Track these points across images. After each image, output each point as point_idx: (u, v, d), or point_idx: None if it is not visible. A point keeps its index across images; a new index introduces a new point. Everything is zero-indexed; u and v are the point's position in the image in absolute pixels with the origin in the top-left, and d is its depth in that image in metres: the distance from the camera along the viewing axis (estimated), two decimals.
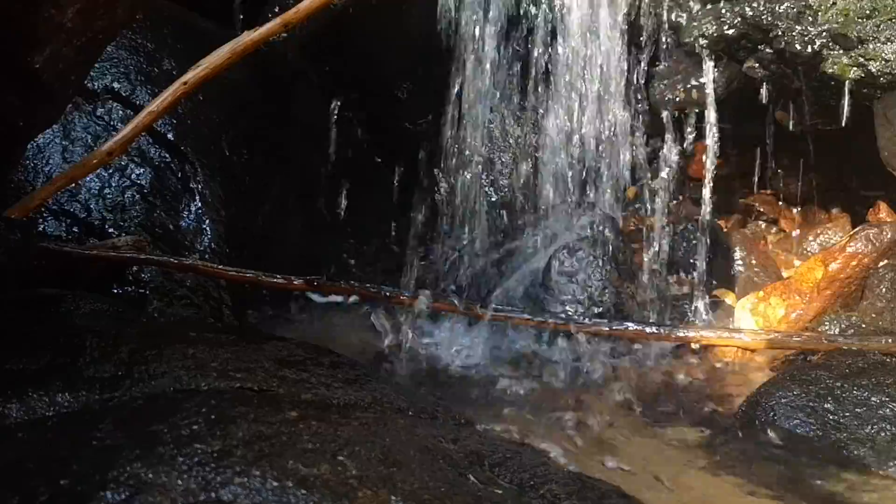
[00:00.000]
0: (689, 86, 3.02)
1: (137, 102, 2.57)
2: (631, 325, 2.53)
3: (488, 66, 2.93)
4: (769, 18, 2.77)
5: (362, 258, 3.03)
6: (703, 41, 2.89)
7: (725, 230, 3.12)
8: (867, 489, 1.87)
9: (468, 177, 2.97)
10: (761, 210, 3.27)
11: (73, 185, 2.37)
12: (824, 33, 2.67)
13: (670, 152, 3.01)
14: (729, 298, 2.88)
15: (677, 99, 3.04)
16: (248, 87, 2.84)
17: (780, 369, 2.42)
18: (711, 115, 2.88)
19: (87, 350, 1.64)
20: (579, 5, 2.88)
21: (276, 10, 3.04)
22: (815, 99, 2.84)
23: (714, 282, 2.89)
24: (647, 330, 2.52)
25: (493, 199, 3.09)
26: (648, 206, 3.04)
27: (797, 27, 2.71)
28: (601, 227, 2.76)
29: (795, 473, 1.93)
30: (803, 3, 2.73)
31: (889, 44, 2.58)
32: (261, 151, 2.79)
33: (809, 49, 2.70)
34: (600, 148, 2.92)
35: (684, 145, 3.06)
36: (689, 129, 3.03)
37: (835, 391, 2.10)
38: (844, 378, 2.14)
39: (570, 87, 2.93)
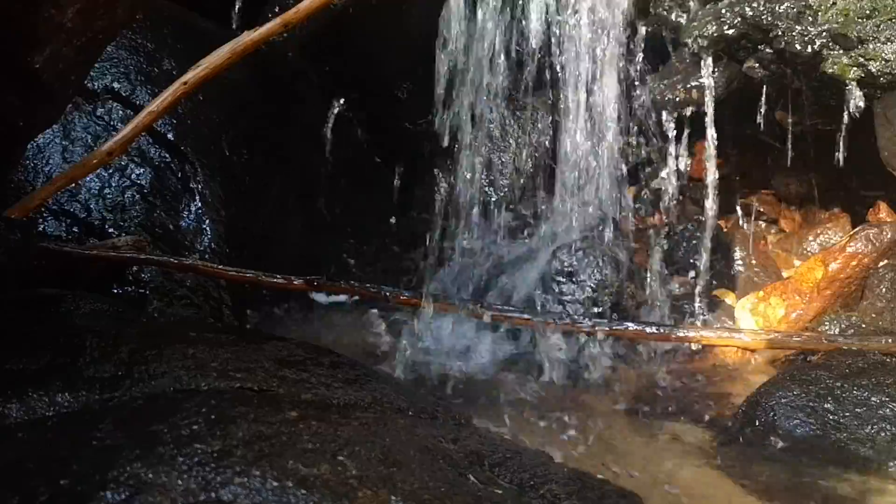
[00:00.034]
0: (689, 86, 3.02)
1: (137, 102, 2.57)
2: (631, 325, 2.53)
3: (487, 64, 2.93)
4: (769, 18, 2.76)
5: (362, 258, 3.03)
6: (703, 41, 2.89)
7: (725, 230, 3.12)
8: (867, 489, 1.87)
9: (468, 177, 2.97)
10: (761, 210, 3.27)
11: (73, 185, 2.37)
12: (824, 33, 2.67)
13: (670, 152, 3.01)
14: (729, 298, 2.88)
15: (677, 99, 3.04)
16: (248, 87, 2.84)
17: (780, 369, 2.42)
18: (710, 114, 2.88)
19: (87, 350, 1.64)
20: (579, 5, 2.88)
21: (276, 10, 3.05)
22: (815, 99, 2.84)
23: (714, 282, 2.89)
24: (647, 330, 2.52)
25: (493, 199, 3.09)
26: (649, 206, 3.05)
27: (797, 27, 2.71)
28: (601, 227, 2.76)
29: (795, 473, 1.93)
30: (803, 3, 2.73)
31: (889, 44, 2.58)
32: (261, 151, 2.79)
33: (809, 49, 2.70)
34: (600, 148, 2.92)
35: (685, 145, 3.06)
36: (689, 129, 3.03)
37: (835, 391, 2.10)
38: (844, 378, 2.14)
39: (569, 86, 2.93)
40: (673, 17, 3.00)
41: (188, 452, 1.22)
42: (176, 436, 1.26)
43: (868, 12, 2.63)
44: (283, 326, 2.59)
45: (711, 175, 2.85)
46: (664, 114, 3.04)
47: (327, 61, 3.17)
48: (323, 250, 2.93)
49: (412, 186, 3.11)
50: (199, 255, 2.48)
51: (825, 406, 2.07)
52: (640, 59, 3.00)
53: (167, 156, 2.56)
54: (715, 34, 2.87)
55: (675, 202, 3.09)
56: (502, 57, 2.94)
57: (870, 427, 2.02)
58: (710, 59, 2.90)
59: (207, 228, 2.52)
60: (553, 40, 2.92)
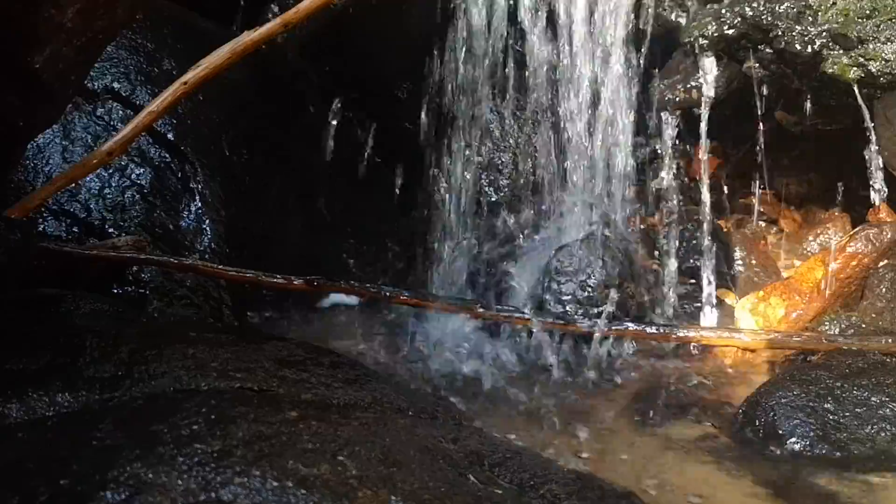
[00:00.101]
0: (689, 86, 3.02)
1: (137, 102, 2.57)
2: (631, 325, 2.53)
3: (487, 64, 2.94)
4: (769, 18, 2.77)
5: (362, 258, 3.02)
6: (703, 41, 2.89)
7: (725, 230, 3.12)
8: (867, 489, 1.87)
9: (468, 177, 2.97)
10: (761, 210, 3.28)
11: (73, 185, 2.37)
12: (824, 33, 2.67)
13: (670, 152, 3.01)
14: (729, 298, 2.88)
15: (677, 99, 3.04)
16: (248, 87, 2.84)
17: (780, 369, 2.42)
18: (705, 115, 2.88)
19: (87, 350, 1.64)
20: (580, 5, 2.88)
21: (276, 10, 3.05)
22: (815, 99, 2.84)
23: (714, 282, 2.89)
24: (648, 330, 2.52)
25: (493, 199, 3.09)
26: (649, 206, 3.04)
27: (797, 27, 2.72)
28: (601, 227, 2.76)
29: (795, 473, 1.93)
30: (803, 3, 2.73)
31: (889, 44, 2.58)
32: (261, 151, 2.79)
33: (809, 49, 2.70)
34: (600, 148, 2.92)
35: (685, 145, 3.06)
36: (689, 129, 3.03)
37: (835, 391, 2.10)
38: (844, 378, 2.14)
39: (570, 86, 2.93)
40: (673, 17, 3.00)
41: (188, 452, 1.22)
42: (176, 436, 1.26)
43: (868, 12, 2.63)
44: (283, 326, 2.59)
45: (705, 174, 2.86)
46: (664, 114, 3.04)
47: (327, 61, 3.17)
48: (323, 250, 2.93)
49: (412, 186, 3.10)
50: (199, 255, 2.48)
51: (825, 406, 2.07)
52: (641, 59, 3.00)
53: (167, 156, 2.56)
54: (715, 34, 2.87)
55: (675, 202, 3.09)
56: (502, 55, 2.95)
57: (870, 427, 2.02)
58: (710, 59, 2.90)
59: (207, 228, 2.52)
60: (553, 39, 2.92)
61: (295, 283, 2.45)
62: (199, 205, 2.54)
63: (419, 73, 3.04)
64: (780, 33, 2.75)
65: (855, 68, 2.63)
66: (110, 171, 2.48)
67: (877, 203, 2.72)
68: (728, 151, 3.18)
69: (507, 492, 1.40)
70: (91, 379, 1.56)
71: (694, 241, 2.93)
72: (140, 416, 1.40)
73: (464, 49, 2.91)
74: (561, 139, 2.96)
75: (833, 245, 2.71)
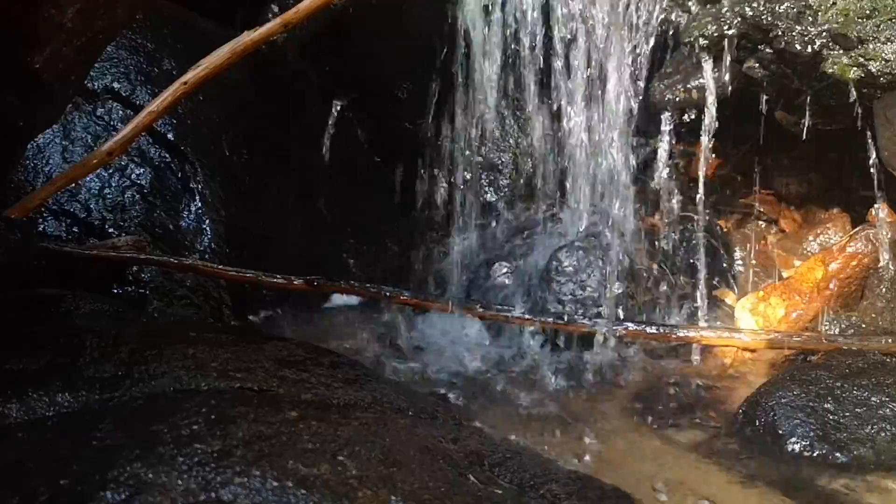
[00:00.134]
0: (689, 86, 3.02)
1: (137, 102, 2.57)
2: (631, 325, 2.53)
3: (488, 65, 2.94)
4: (769, 18, 2.76)
5: (362, 258, 3.02)
6: (703, 41, 2.89)
7: (725, 230, 3.12)
8: (867, 489, 1.87)
9: (468, 177, 2.97)
10: (761, 210, 3.27)
11: (73, 185, 2.37)
12: (824, 33, 2.67)
13: (670, 152, 3.01)
14: (729, 298, 2.88)
15: (677, 99, 3.04)
16: (248, 87, 2.84)
17: (780, 369, 2.42)
18: (709, 115, 2.88)
19: (87, 350, 1.64)
20: (580, 5, 2.88)
21: (276, 10, 3.05)
22: (815, 99, 2.84)
23: (714, 282, 2.89)
24: (648, 330, 2.52)
25: (492, 200, 3.09)
26: (649, 206, 3.04)
27: (797, 27, 2.71)
28: (601, 227, 2.76)
29: (795, 473, 1.93)
30: (803, 3, 2.73)
31: (889, 44, 2.58)
32: (261, 151, 2.79)
33: (809, 49, 2.70)
34: (600, 148, 2.92)
35: (685, 145, 3.06)
36: (689, 129, 3.02)
37: (835, 391, 2.10)
38: (844, 378, 2.14)
39: (570, 86, 2.93)
40: (673, 17, 3.00)
41: (188, 452, 1.22)
42: (176, 436, 1.26)
43: (868, 12, 2.63)
44: (283, 326, 2.59)
45: (704, 175, 2.86)
46: (664, 114, 3.04)
47: (327, 61, 3.17)
48: (323, 250, 2.93)
49: (412, 186, 3.10)
50: (199, 255, 2.48)
51: (825, 406, 2.07)
52: (641, 59, 3.00)
53: (167, 156, 2.56)
54: (715, 34, 2.87)
55: (675, 202, 3.09)
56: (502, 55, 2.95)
57: (870, 427, 2.02)
58: (709, 59, 2.90)
59: (207, 228, 2.52)
60: (553, 39, 2.92)
61: (295, 283, 2.45)
62: (199, 205, 2.54)
63: (419, 73, 3.04)
64: (780, 33, 2.74)
65: (855, 68, 2.63)
66: (110, 171, 2.48)
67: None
68: (728, 151, 3.18)
69: (507, 492, 1.40)
70: (91, 379, 1.56)
71: (694, 241, 2.93)
72: (140, 416, 1.40)
73: (464, 49, 2.91)
74: (561, 139, 2.96)
75: (833, 245, 2.72)
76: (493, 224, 3.03)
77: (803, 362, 2.40)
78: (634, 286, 2.71)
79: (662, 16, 2.99)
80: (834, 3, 2.68)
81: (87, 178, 2.40)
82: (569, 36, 2.89)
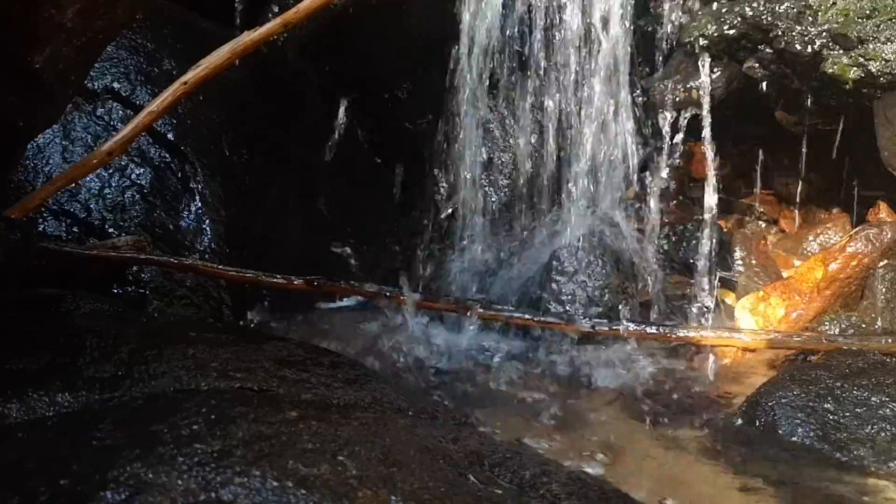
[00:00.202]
0: (689, 86, 3.02)
1: (137, 102, 2.57)
2: (631, 325, 2.52)
3: (488, 65, 2.94)
4: (769, 18, 2.77)
5: (362, 258, 3.03)
6: (703, 41, 2.89)
7: (725, 230, 3.12)
8: (867, 489, 1.87)
9: (468, 177, 2.97)
10: (761, 210, 3.28)
11: (73, 185, 2.37)
12: (824, 33, 2.67)
13: (670, 152, 3.01)
14: (729, 298, 2.88)
15: (677, 99, 3.04)
16: (248, 87, 2.84)
17: (780, 369, 2.42)
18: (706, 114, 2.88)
19: (87, 350, 1.64)
20: (581, 5, 2.88)
21: (276, 10, 3.05)
22: (815, 99, 2.84)
23: (714, 282, 2.89)
24: (648, 330, 2.52)
25: (492, 199, 3.09)
26: (650, 206, 3.04)
27: (797, 27, 2.72)
28: (601, 227, 2.76)
29: (795, 473, 1.93)
30: (803, 3, 2.73)
31: (889, 44, 2.58)
32: (261, 151, 2.79)
33: (809, 49, 2.70)
34: (600, 148, 2.92)
35: (685, 145, 3.06)
36: (689, 129, 3.03)
37: (835, 391, 2.10)
38: (844, 378, 2.14)
39: (570, 86, 2.93)
40: (673, 17, 3.00)
41: (188, 452, 1.22)
42: (176, 436, 1.26)
43: (868, 12, 2.63)
44: (283, 326, 2.59)
45: (713, 174, 2.86)
46: (664, 114, 3.04)
47: (327, 61, 3.17)
48: (323, 250, 2.93)
49: (412, 186, 3.10)
50: (199, 255, 2.48)
51: (825, 406, 2.07)
52: (641, 59, 3.00)
53: (167, 156, 2.56)
54: (715, 34, 2.87)
55: (675, 202, 3.09)
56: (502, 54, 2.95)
57: (870, 427, 2.02)
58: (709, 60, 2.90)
59: (207, 228, 2.52)
60: (553, 40, 2.92)
61: (295, 283, 2.45)
62: (199, 205, 2.54)
63: (419, 73, 3.05)
64: (780, 33, 2.75)
65: (855, 68, 2.63)
66: (110, 171, 2.48)
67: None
68: (728, 151, 3.18)
69: (507, 492, 1.40)
70: (91, 379, 1.56)
71: (694, 241, 2.93)
72: (140, 416, 1.40)
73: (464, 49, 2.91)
74: (561, 139, 2.96)
75: (833, 245, 2.72)
76: (493, 224, 3.03)
77: (803, 362, 2.40)
78: (634, 286, 2.71)
79: (663, 15, 3.00)
80: (834, 3, 2.69)
81: (87, 178, 2.40)
82: (569, 35, 2.90)
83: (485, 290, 2.82)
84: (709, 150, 2.87)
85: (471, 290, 2.85)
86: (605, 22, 2.87)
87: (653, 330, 2.52)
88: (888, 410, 2.04)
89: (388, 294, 2.55)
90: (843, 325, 2.52)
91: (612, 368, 2.49)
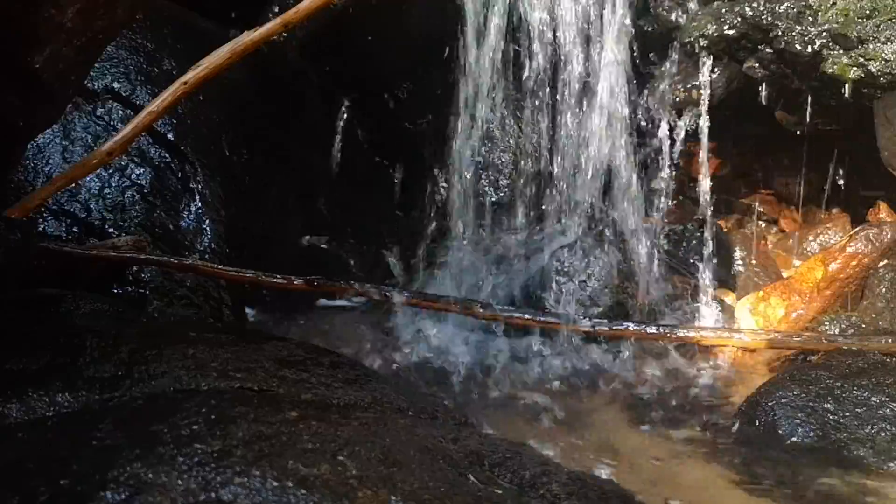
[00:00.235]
0: (689, 86, 3.02)
1: (137, 102, 2.57)
2: (631, 325, 2.52)
3: (488, 66, 2.94)
4: (769, 18, 2.77)
5: (362, 258, 3.03)
6: (703, 41, 2.89)
7: (725, 230, 3.12)
8: (867, 489, 1.87)
9: (468, 177, 2.97)
10: (761, 210, 3.28)
11: (73, 185, 2.37)
12: (824, 33, 2.67)
13: (670, 152, 3.01)
14: (729, 298, 2.88)
15: (677, 99, 3.04)
16: (248, 87, 2.84)
17: (780, 369, 2.42)
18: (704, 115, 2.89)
19: (87, 350, 1.64)
20: (580, 5, 2.88)
21: (276, 10, 3.05)
22: (815, 99, 2.84)
23: (714, 282, 2.89)
24: (648, 330, 2.52)
25: (492, 199, 3.09)
26: (650, 206, 3.04)
27: (797, 27, 2.72)
28: (601, 227, 2.76)
29: (795, 473, 1.93)
30: (803, 3, 2.73)
31: (889, 44, 2.58)
32: (261, 151, 2.79)
33: (809, 49, 2.70)
34: (600, 148, 2.92)
35: (685, 145, 3.06)
36: (689, 129, 3.03)
37: (835, 391, 2.10)
38: (844, 378, 2.14)
39: (570, 87, 2.93)
40: (673, 17, 3.00)
41: (188, 452, 1.22)
42: (176, 436, 1.26)
43: (868, 12, 2.63)
44: (283, 326, 2.59)
45: (705, 174, 2.86)
46: (664, 114, 3.04)
47: (327, 61, 3.17)
48: (323, 250, 2.93)
49: (412, 186, 3.10)
50: (199, 255, 2.48)
51: (825, 406, 2.07)
52: (641, 59, 3.00)
53: (167, 156, 2.56)
54: (715, 34, 2.87)
55: (675, 202, 3.10)
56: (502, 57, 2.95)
57: (870, 427, 2.02)
58: (709, 60, 2.90)
59: (207, 228, 2.52)
60: (553, 40, 2.92)
61: (295, 283, 2.45)
62: (199, 205, 2.54)
63: (419, 73, 3.04)
64: (780, 33, 2.75)
65: (855, 68, 2.63)
66: (110, 171, 2.48)
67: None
68: (728, 151, 3.18)
69: (507, 492, 1.40)
70: (91, 379, 1.56)
71: (694, 241, 2.93)
72: (140, 416, 1.40)
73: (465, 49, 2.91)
74: (561, 139, 2.96)
75: (833, 245, 2.72)
76: (494, 224, 3.03)
77: (803, 362, 2.40)
78: (634, 286, 2.71)
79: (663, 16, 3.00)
80: (834, 3, 2.69)
81: (87, 178, 2.40)
82: (569, 36, 2.89)
83: (485, 290, 2.82)
84: (704, 150, 2.87)
85: (471, 290, 2.85)
86: (605, 22, 2.87)
87: (653, 330, 2.52)
88: (888, 410, 2.04)
89: (387, 294, 2.55)
90: (843, 325, 2.52)
91: (612, 368, 2.49)
